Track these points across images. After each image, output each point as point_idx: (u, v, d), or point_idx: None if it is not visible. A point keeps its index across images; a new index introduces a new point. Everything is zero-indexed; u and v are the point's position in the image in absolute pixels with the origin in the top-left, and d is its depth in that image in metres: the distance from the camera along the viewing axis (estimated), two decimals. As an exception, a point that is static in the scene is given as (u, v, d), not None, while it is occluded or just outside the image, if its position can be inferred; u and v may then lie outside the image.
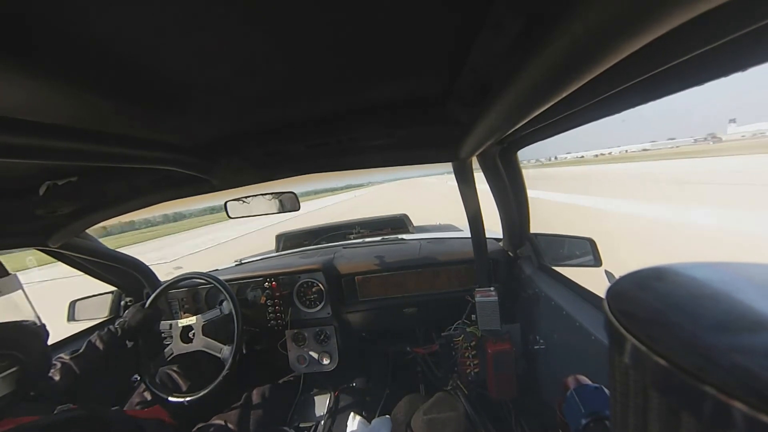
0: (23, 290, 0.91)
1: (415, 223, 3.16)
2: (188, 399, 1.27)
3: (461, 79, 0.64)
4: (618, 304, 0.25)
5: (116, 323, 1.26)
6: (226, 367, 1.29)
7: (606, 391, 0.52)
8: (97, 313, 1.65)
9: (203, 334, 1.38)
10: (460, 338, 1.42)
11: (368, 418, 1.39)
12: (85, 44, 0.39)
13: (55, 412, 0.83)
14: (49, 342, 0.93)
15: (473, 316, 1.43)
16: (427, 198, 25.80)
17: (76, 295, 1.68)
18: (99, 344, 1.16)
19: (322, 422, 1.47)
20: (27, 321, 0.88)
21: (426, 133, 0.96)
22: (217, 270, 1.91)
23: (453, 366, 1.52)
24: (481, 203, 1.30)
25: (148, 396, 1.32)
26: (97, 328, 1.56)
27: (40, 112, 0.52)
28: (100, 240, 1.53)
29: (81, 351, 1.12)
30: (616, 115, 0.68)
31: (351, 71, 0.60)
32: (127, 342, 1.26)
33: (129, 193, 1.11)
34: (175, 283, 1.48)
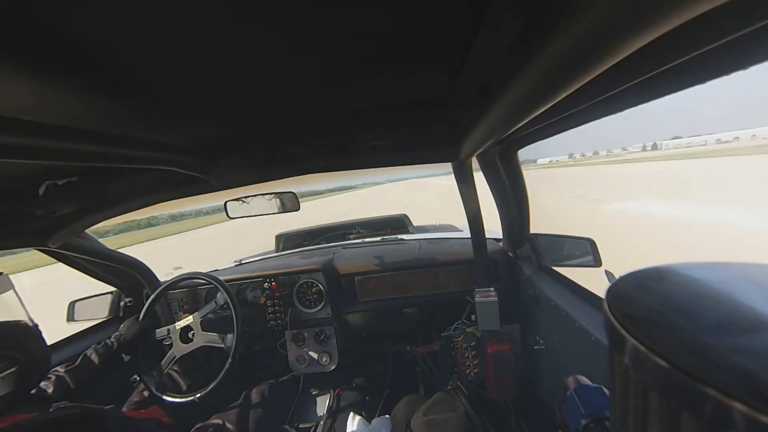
0: (15, 290, 0.91)
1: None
2: (198, 395, 1.27)
3: (461, 79, 0.64)
4: (618, 305, 0.25)
5: (112, 337, 1.25)
6: (230, 354, 1.29)
7: (606, 391, 0.52)
8: (97, 313, 1.64)
9: (203, 330, 1.38)
10: (460, 338, 1.42)
11: (368, 418, 1.39)
12: (84, 44, 0.39)
13: (51, 409, 0.83)
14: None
15: (473, 316, 1.43)
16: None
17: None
18: (94, 358, 1.15)
19: (322, 422, 1.47)
20: (25, 321, 0.88)
21: (426, 133, 0.96)
22: (216, 270, 1.91)
23: (453, 366, 1.52)
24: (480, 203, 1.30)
25: (146, 395, 1.32)
26: (97, 330, 1.56)
27: (40, 112, 0.52)
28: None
29: (76, 364, 1.11)
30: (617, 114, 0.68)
31: (351, 72, 0.60)
32: (123, 356, 1.26)
33: (129, 193, 1.11)
34: (174, 283, 1.48)
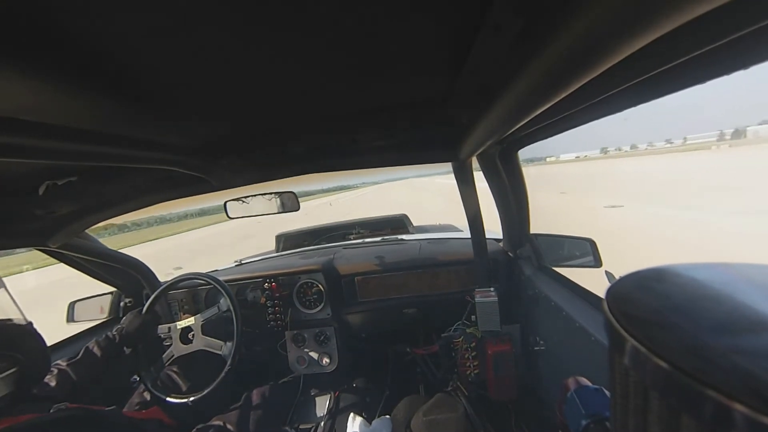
0: (6, 289, 0.91)
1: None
2: (192, 399, 1.27)
3: (461, 79, 0.64)
4: (618, 305, 0.25)
5: (114, 330, 1.25)
6: (228, 363, 1.29)
7: (606, 392, 0.52)
8: (97, 314, 1.64)
9: (203, 334, 1.38)
10: (460, 339, 1.42)
11: (368, 419, 1.38)
12: (85, 44, 0.39)
13: (52, 410, 0.83)
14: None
15: (473, 316, 1.43)
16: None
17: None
18: (96, 351, 1.15)
19: (322, 423, 1.46)
20: (25, 321, 0.88)
21: (426, 133, 0.97)
22: (216, 271, 1.91)
23: (453, 367, 1.52)
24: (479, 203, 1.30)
25: (147, 396, 1.32)
26: (97, 330, 1.56)
27: (40, 112, 0.52)
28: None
29: (78, 357, 1.11)
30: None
31: (351, 72, 0.60)
32: (125, 348, 1.26)
33: (129, 193, 1.12)
34: (174, 284, 1.48)
